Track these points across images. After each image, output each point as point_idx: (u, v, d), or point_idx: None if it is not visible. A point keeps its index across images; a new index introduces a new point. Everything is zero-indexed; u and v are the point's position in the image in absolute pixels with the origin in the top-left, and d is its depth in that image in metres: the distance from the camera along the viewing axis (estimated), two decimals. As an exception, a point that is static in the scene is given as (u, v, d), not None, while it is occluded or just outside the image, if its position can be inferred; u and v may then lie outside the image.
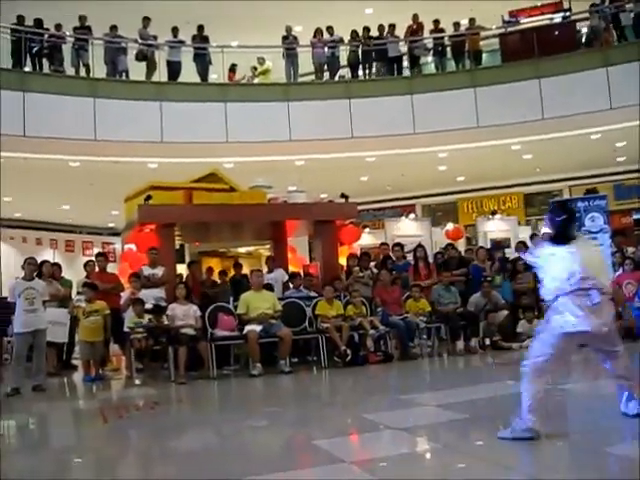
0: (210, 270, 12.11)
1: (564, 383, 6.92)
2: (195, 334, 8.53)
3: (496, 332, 10.01)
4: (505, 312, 10.15)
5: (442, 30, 15.21)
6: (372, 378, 8.48)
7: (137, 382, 8.60)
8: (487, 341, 10.07)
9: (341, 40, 15.19)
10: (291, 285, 10.51)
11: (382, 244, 12.77)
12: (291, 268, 11.44)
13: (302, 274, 10.86)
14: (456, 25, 15.09)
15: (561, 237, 4.64)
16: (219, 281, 11.49)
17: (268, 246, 13.47)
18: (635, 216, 18.52)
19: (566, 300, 4.43)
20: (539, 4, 16.07)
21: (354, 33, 15.15)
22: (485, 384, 7.27)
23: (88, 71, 13.75)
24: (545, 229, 5.41)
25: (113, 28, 13.92)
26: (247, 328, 8.67)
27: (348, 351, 8.91)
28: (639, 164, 15.84)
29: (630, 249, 11.03)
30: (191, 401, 7.51)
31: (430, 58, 15.47)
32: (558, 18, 15.51)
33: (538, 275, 4.78)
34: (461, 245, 15.11)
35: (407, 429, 5.12)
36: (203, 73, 14.55)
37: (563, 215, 4.71)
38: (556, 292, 4.51)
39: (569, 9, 15.33)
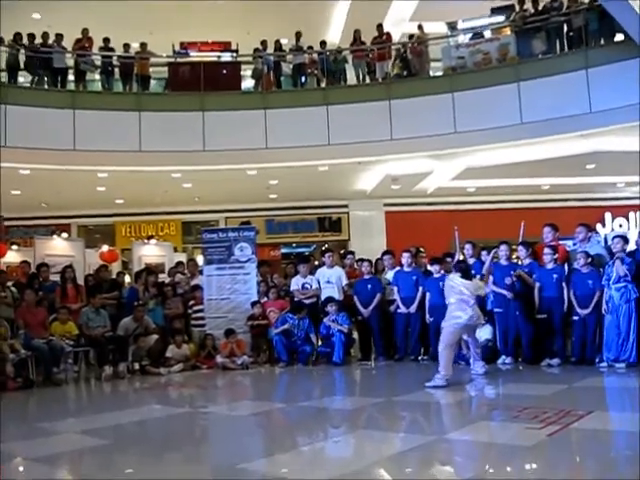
0: None
1: (205, 406, 7.23)
2: None
3: (145, 357, 10.00)
4: (155, 336, 10.19)
5: (111, 49, 14.97)
6: (9, 406, 7.86)
7: None
8: (136, 365, 9.99)
9: (1, 40, 14.07)
10: None
11: (22, 262, 12.02)
12: None
13: None
14: (126, 46, 14.99)
15: (467, 276, 8.11)
16: None
17: None
18: (283, 250, 20.10)
19: (457, 306, 7.87)
20: (210, 41, 16.65)
21: (17, 36, 14.14)
22: (132, 409, 7.25)
23: None
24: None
25: None
26: None
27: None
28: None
29: (276, 279, 11.81)
30: None
31: (98, 76, 15.08)
32: (227, 57, 16.20)
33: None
34: (117, 268, 14.85)
35: (43, 459, 4.86)
36: None
37: (464, 266, 8.51)
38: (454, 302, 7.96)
39: (237, 50, 16.12)
